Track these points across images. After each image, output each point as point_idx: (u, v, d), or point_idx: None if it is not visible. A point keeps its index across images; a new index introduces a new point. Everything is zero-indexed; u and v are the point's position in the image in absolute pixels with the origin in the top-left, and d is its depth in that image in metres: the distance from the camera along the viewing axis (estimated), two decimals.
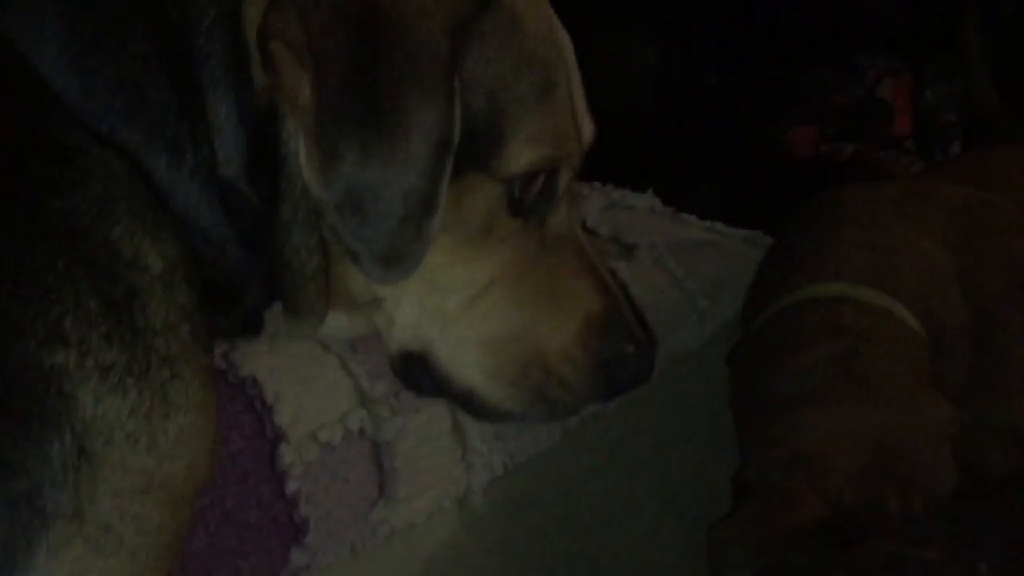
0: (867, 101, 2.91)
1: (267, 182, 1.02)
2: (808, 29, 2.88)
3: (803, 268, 1.40)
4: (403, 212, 0.97)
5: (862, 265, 1.36)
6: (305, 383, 1.19)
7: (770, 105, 2.89)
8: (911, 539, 1.09)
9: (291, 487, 1.15)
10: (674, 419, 1.46)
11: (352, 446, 1.19)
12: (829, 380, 1.25)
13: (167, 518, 0.91)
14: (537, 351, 1.13)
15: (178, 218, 1.00)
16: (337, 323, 1.16)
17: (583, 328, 1.13)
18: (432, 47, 0.96)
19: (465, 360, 1.13)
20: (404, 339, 1.14)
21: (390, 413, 1.21)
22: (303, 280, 1.08)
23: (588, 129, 1.15)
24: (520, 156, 1.06)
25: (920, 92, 2.92)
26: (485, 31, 1.02)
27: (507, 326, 1.12)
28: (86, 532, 0.86)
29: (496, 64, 1.04)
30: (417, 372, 1.16)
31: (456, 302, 1.11)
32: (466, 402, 1.17)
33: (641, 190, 1.68)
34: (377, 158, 0.95)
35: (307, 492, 1.15)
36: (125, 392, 0.88)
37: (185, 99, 0.99)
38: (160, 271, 0.94)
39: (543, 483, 1.34)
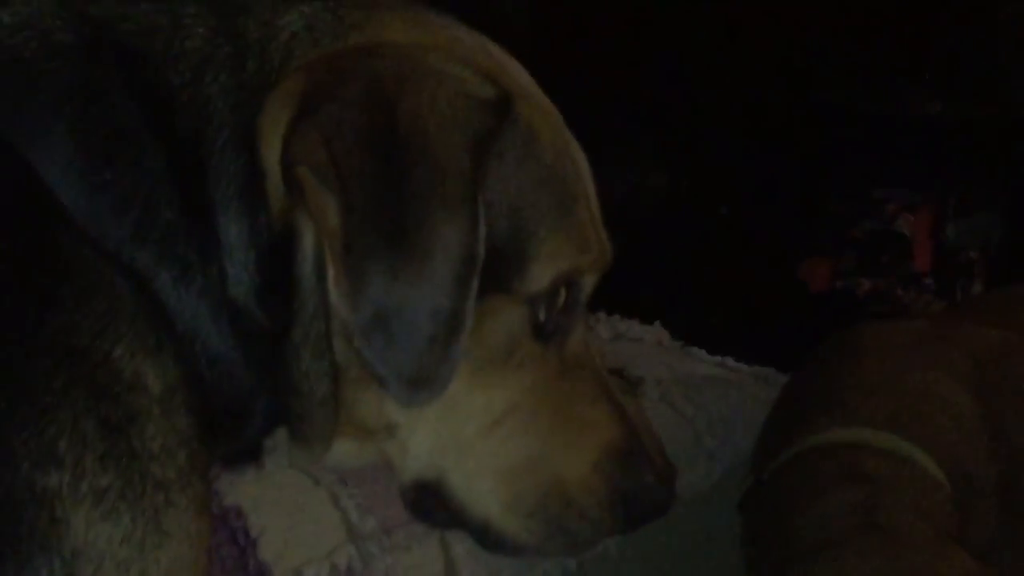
0: (885, 235, 2.94)
1: (278, 305, 1.04)
2: (824, 161, 2.93)
3: (821, 411, 1.40)
4: (430, 332, 0.99)
5: (883, 410, 1.36)
6: (292, 516, 1.19)
7: (784, 237, 2.93)
8: None
9: None
10: (680, 565, 1.45)
11: None
12: (848, 530, 1.24)
13: None
14: (556, 481, 1.14)
15: (184, 339, 1.01)
16: (344, 451, 1.16)
17: (602, 457, 1.15)
18: (454, 163, 0.99)
19: (482, 489, 1.14)
20: (418, 468, 1.14)
21: (380, 551, 1.20)
22: (312, 406, 1.09)
23: (606, 242, 1.17)
24: (543, 275, 1.08)
25: (941, 227, 2.95)
26: (505, 147, 1.05)
27: (526, 454, 1.13)
28: None
29: (516, 180, 1.07)
30: (430, 502, 1.17)
31: (474, 429, 1.12)
32: (482, 534, 1.17)
33: (649, 322, 1.70)
34: (404, 278, 0.97)
35: None
36: (118, 518, 0.89)
37: (196, 219, 1.01)
38: (160, 394, 0.95)
39: None
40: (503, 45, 1.19)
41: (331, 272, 0.98)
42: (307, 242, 1.02)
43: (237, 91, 1.02)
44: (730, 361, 1.67)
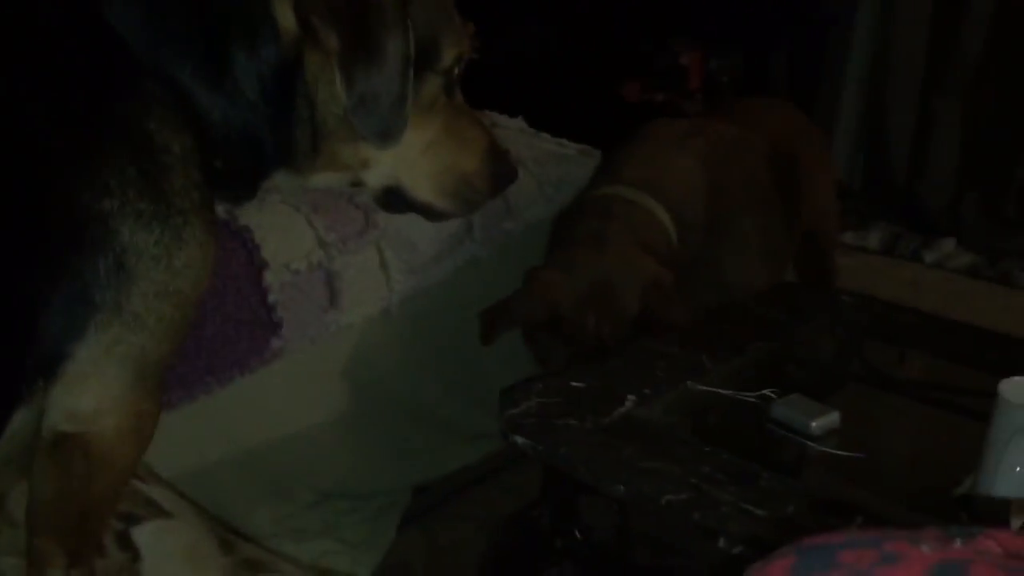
0: (674, 66, 2.93)
1: (277, 99, 1.01)
2: (639, 21, 2.87)
3: (604, 174, 1.42)
4: (389, 103, 1.01)
5: (638, 174, 1.38)
6: (282, 231, 1.20)
7: (611, 65, 2.89)
8: (665, 340, 1.16)
9: (271, 298, 1.17)
10: (525, 264, 1.43)
11: (313, 273, 1.21)
12: (583, 238, 1.29)
13: (176, 314, 0.92)
14: (462, 173, 1.17)
15: (206, 122, 0.97)
16: (324, 179, 1.14)
17: (484, 156, 1.18)
18: (391, 6, 0.99)
19: (423, 186, 1.16)
20: (383, 179, 1.15)
21: (338, 253, 1.23)
22: (303, 152, 1.07)
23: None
24: (449, 56, 1.10)
25: (707, 62, 2.95)
26: None
27: (444, 162, 1.16)
28: (122, 319, 0.87)
29: (424, 6, 1.06)
30: (393, 198, 1.17)
31: (415, 153, 1.13)
32: (424, 210, 1.19)
33: (514, 116, 1.67)
34: (374, 74, 0.99)
35: (282, 302, 1.18)
36: (151, 230, 0.88)
37: (215, 52, 0.97)
38: (180, 154, 0.92)
39: (439, 303, 1.37)
40: None
41: (338, 75, 0.98)
42: (310, 60, 1.00)
43: None
44: (565, 142, 1.65)
